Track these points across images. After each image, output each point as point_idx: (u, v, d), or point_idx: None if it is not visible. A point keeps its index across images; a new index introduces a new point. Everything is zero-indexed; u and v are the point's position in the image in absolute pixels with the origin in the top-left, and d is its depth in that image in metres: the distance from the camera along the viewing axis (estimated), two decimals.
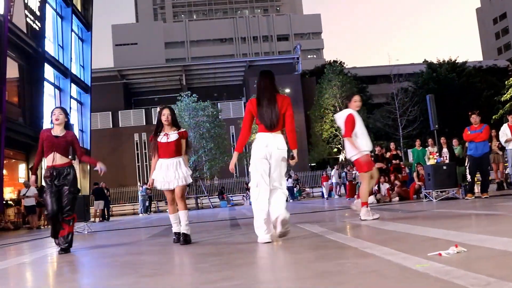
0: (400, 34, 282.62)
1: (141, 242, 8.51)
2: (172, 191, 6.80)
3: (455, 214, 7.74)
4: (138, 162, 46.86)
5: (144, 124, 47.79)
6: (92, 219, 15.20)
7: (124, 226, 14.72)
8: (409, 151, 17.86)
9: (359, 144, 8.14)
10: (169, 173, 6.72)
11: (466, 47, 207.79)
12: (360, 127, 8.24)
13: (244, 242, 6.36)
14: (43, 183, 7.28)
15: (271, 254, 5.08)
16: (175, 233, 7.03)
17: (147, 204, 31.32)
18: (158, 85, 54.17)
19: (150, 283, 3.75)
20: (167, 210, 7.11)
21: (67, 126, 7.12)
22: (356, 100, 8.50)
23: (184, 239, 6.67)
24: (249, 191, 32.43)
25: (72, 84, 31.07)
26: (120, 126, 48.08)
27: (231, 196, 35.32)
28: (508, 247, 3.73)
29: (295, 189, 32.56)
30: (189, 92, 37.38)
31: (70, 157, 7.13)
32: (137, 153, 47.01)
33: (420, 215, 8.67)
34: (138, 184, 35.51)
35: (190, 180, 6.90)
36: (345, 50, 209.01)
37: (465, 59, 54.79)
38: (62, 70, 29.75)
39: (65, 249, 6.78)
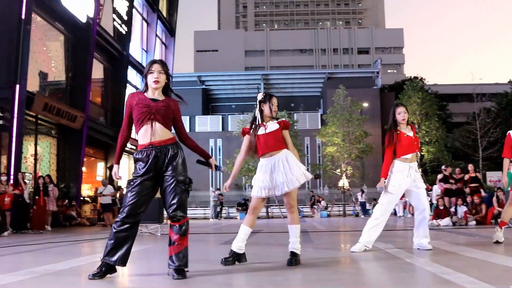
0: (484, 52, 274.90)
1: (213, 248, 8.58)
2: (261, 199, 5.58)
3: None
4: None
5: (221, 130, 48.37)
6: (165, 221, 15.40)
7: (196, 231, 14.87)
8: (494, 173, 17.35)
9: None
10: (275, 175, 5.41)
11: None
12: None
13: (316, 258, 6.29)
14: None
15: (344, 273, 4.99)
16: (234, 252, 5.49)
17: (218, 209, 31.70)
18: (236, 92, 54.72)
19: None
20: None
21: (167, 92, 4.87)
22: None
23: (294, 260, 5.35)
24: (320, 203, 32.35)
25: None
26: (196, 130, 48.82)
27: (301, 208, 35.13)
28: None
29: (367, 204, 32.11)
30: None
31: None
32: None
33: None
34: (211, 189, 35.94)
35: (308, 177, 5.54)
36: (426, 66, 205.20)
37: None
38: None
39: (180, 271, 4.45)
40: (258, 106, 5.69)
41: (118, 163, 4.85)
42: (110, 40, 25.13)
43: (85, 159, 22.93)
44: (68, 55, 22.02)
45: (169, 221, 4.64)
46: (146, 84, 4.75)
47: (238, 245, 5.49)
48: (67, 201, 20.33)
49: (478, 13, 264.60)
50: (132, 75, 28.68)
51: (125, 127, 4.77)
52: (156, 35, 32.80)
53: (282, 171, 5.38)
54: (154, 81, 4.66)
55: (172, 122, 4.77)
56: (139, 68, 29.50)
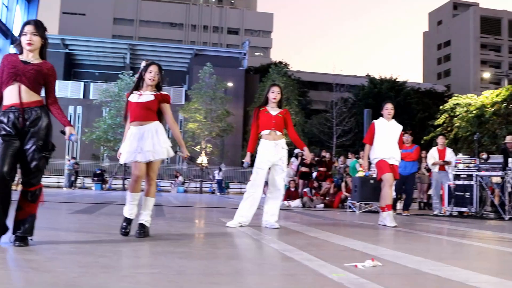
0: (347, 45, 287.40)
1: (62, 217, 8.37)
2: (142, 165, 5.39)
3: (375, 228, 7.94)
4: None
5: (82, 97, 46.77)
6: (14, 188, 14.72)
7: (46, 199, 14.39)
8: (347, 161, 18.26)
9: (374, 151, 8.63)
10: (142, 142, 5.36)
11: (410, 67, 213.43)
12: (382, 135, 8.59)
13: (166, 231, 6.34)
14: None
15: (189, 247, 5.09)
16: (126, 218, 5.43)
17: (72, 179, 30.74)
18: (101, 60, 53.05)
19: (67, 261, 3.70)
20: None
21: (44, 55, 4.67)
22: (387, 108, 8.81)
23: (143, 231, 5.34)
24: (177, 179, 32.39)
25: (11, 45, 30.14)
26: (55, 96, 46.78)
27: (159, 182, 35.01)
28: (420, 267, 3.87)
29: (223, 181, 32.67)
30: (131, 71, 36.87)
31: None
32: None
33: (342, 224, 8.87)
34: (66, 157, 34.75)
35: (171, 153, 5.52)
36: (292, 53, 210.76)
37: (406, 79, 56.15)
38: (3, 30, 28.81)
39: (23, 238, 4.32)
40: (139, 73, 5.65)
41: None
42: None
43: None
44: None
45: (20, 187, 4.47)
46: (20, 45, 4.52)
47: (129, 212, 5.43)
48: None
49: (345, 9, 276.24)
50: None
51: None
52: None
53: (150, 141, 5.36)
54: (27, 43, 4.46)
55: (44, 86, 4.60)
56: None
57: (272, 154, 7.09)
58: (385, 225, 8.23)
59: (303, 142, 7.95)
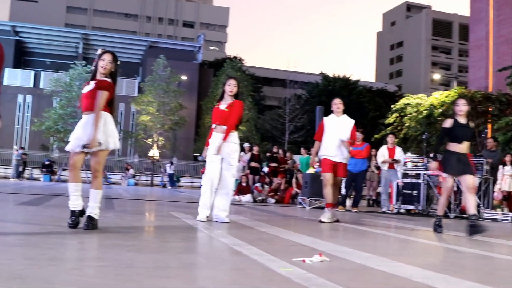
0: (302, 42, 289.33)
1: (9, 209, 8.20)
2: (83, 154, 5.28)
3: (324, 224, 8.03)
4: (18, 125, 44.70)
5: (32, 86, 45.77)
6: None
7: None
8: (297, 158, 18.35)
9: (321, 148, 8.60)
10: (81, 132, 5.24)
11: (363, 66, 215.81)
12: (331, 131, 8.52)
13: (115, 224, 6.29)
14: None
15: (140, 240, 5.06)
16: (72, 211, 5.26)
17: (20, 169, 30.09)
18: (52, 48, 51.99)
19: (13, 252, 3.64)
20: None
21: None
22: (335, 103, 8.75)
23: (91, 224, 5.15)
24: (128, 171, 32.07)
25: None
26: (4, 84, 45.67)
27: (109, 174, 34.55)
28: (367, 262, 3.94)
29: (174, 175, 32.53)
30: (84, 61, 36.28)
31: None
32: (19, 115, 44.83)
33: (292, 220, 8.94)
34: (14, 147, 33.98)
35: (115, 146, 5.38)
36: (246, 48, 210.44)
37: (358, 78, 56.89)
38: None
39: None
40: (95, 62, 5.50)
41: None
42: None
43: None
44: None
45: None
46: None
47: (72, 204, 5.23)
48: None
49: (301, 7, 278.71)
50: None
51: None
52: None
53: (86, 132, 5.20)
54: None
55: None
56: None
57: (222, 145, 7.16)
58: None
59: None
